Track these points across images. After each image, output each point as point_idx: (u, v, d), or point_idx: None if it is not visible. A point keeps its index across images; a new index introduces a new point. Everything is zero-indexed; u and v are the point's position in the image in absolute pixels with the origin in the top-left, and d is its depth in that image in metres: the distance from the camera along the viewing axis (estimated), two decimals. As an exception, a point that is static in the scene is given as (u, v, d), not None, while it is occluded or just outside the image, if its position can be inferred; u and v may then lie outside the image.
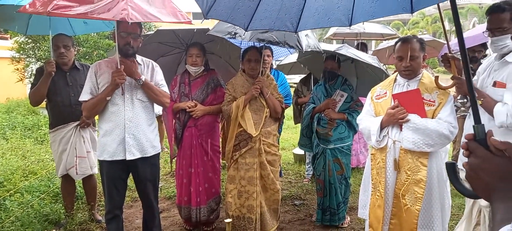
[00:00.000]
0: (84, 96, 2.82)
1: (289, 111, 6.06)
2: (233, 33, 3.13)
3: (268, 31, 3.08)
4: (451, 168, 1.08)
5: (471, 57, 4.56)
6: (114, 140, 2.80)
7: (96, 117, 3.29)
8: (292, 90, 5.18)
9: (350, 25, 2.22)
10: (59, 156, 3.61)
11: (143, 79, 2.82)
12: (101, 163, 2.90)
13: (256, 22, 2.41)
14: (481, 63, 2.79)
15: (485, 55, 4.45)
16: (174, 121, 3.63)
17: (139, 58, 2.96)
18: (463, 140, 0.98)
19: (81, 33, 5.00)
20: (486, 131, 0.94)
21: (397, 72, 2.69)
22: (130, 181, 3.60)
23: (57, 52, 3.50)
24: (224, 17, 2.39)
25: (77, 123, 3.60)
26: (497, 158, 0.89)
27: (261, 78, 3.38)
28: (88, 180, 3.84)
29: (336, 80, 3.76)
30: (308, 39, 3.34)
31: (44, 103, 3.73)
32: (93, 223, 3.83)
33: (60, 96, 3.54)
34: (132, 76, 2.80)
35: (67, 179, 3.74)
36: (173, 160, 3.96)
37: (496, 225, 0.80)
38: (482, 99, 2.31)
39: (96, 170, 3.77)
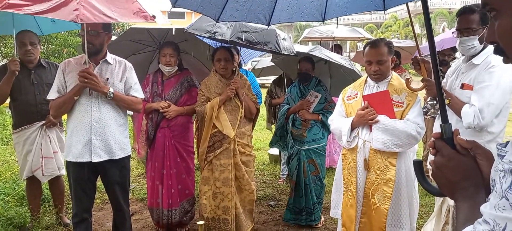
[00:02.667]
0: (52, 95, 2.72)
1: (263, 111, 6.07)
2: (212, 32, 3.07)
3: (248, 31, 3.06)
4: (418, 166, 1.09)
5: (441, 60, 4.70)
6: (80, 141, 2.71)
7: (64, 116, 3.18)
8: (265, 91, 5.20)
9: (323, 20, 2.23)
10: (24, 157, 3.47)
11: (112, 94, 2.72)
12: (68, 164, 2.81)
13: (227, 13, 2.36)
14: (450, 66, 2.88)
15: (454, 59, 4.60)
16: (146, 121, 3.55)
17: (110, 57, 2.87)
18: (432, 138, 0.99)
19: (48, 33, 4.83)
20: (453, 130, 0.96)
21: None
22: (101, 183, 3.51)
23: (23, 49, 3.37)
24: (194, 7, 2.32)
25: (43, 122, 3.46)
26: (462, 157, 0.90)
27: (236, 79, 3.36)
28: (55, 182, 3.71)
29: (310, 81, 3.79)
30: (284, 42, 3.34)
31: (7, 103, 3.57)
32: (60, 226, 3.70)
33: (24, 95, 3.40)
34: (99, 91, 2.69)
35: (32, 181, 3.60)
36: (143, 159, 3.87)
37: (460, 225, 0.81)
38: (449, 98, 2.36)
39: (63, 171, 3.64)
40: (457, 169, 0.90)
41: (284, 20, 2.41)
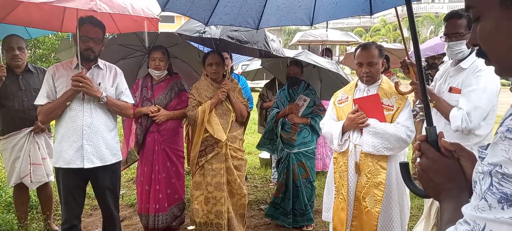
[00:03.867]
0: (40, 100, 2.67)
1: (254, 115, 6.07)
2: (202, 31, 3.08)
3: (237, 30, 3.06)
4: (404, 168, 1.11)
5: (431, 63, 4.77)
6: (71, 147, 2.67)
7: (52, 122, 3.14)
8: (257, 95, 5.21)
9: (311, 24, 2.24)
10: (12, 164, 3.41)
11: (105, 98, 2.71)
12: (57, 170, 2.76)
13: (216, 17, 2.37)
14: (439, 70, 2.92)
15: (443, 62, 4.67)
16: (135, 126, 3.52)
17: (101, 62, 2.84)
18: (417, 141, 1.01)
19: (37, 36, 4.77)
20: (437, 133, 0.97)
21: (358, 78, 2.76)
22: (90, 188, 3.46)
23: (11, 54, 3.32)
24: (183, 10, 2.32)
25: (31, 128, 3.41)
26: (446, 159, 0.92)
27: (227, 82, 3.36)
28: (43, 189, 3.65)
29: (299, 85, 3.81)
30: (273, 43, 3.36)
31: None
32: (49, 233, 3.64)
33: (12, 101, 3.34)
34: (92, 96, 2.68)
35: (20, 188, 3.53)
36: (134, 165, 3.84)
37: (443, 225, 0.83)
38: (433, 102, 2.40)
39: (52, 178, 3.59)
40: (441, 171, 0.91)
41: (272, 24, 2.43)
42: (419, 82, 1.07)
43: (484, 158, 0.69)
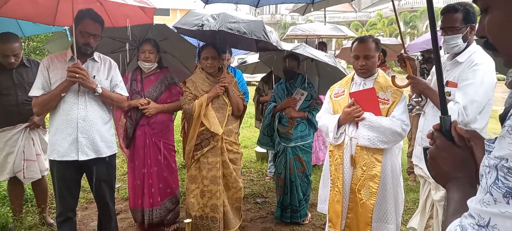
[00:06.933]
0: (35, 91, 2.64)
1: (251, 110, 6.06)
2: (200, 24, 3.05)
3: (236, 22, 3.04)
4: (426, 153, 1.11)
5: (427, 57, 4.78)
6: (65, 139, 2.65)
7: (46, 117, 3.11)
8: (253, 88, 5.20)
9: (312, 3, 2.20)
10: (4, 158, 3.36)
11: (100, 90, 2.69)
12: (52, 162, 2.75)
13: None
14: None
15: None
16: (124, 119, 3.49)
17: (96, 55, 2.83)
18: (431, 129, 1.00)
19: (30, 34, 4.72)
20: (451, 122, 0.97)
21: (354, 71, 2.76)
22: (85, 182, 3.45)
23: (6, 61, 3.26)
24: None
25: (26, 124, 3.37)
26: (456, 149, 0.92)
27: (226, 76, 3.35)
28: (38, 182, 3.62)
29: (296, 79, 3.80)
30: (272, 35, 3.34)
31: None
32: (44, 226, 3.63)
33: (6, 96, 3.31)
34: (87, 87, 2.66)
35: (14, 181, 3.51)
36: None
37: (449, 215, 0.82)
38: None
39: (47, 173, 3.56)
40: (450, 159, 0.91)
41: (273, 2, 2.41)
42: (436, 71, 1.06)
43: (491, 151, 0.69)
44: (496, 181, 0.65)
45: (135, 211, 3.53)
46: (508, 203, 0.62)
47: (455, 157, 0.91)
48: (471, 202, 0.71)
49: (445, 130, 0.96)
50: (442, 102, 1.00)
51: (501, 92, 5.57)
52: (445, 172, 0.92)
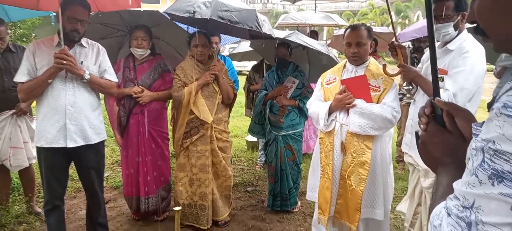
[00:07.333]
0: (21, 77, 2.58)
1: (241, 99, 6.04)
2: (192, 11, 2.99)
3: (228, 10, 2.99)
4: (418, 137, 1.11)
5: (417, 47, 4.79)
6: (54, 126, 2.60)
7: (33, 104, 3.05)
8: (244, 78, 5.16)
9: None
10: (-10, 146, 3.31)
11: (88, 77, 2.64)
12: (39, 150, 2.70)
13: None
14: (425, 53, 2.92)
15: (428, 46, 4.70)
16: (117, 108, 3.44)
17: (84, 40, 2.77)
18: (421, 111, 0.99)
19: (17, 19, 4.62)
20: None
21: (346, 59, 2.75)
22: (74, 171, 3.40)
23: None
24: None
25: (13, 111, 3.31)
26: (448, 134, 0.91)
27: (217, 63, 3.31)
28: (25, 171, 3.58)
29: (287, 67, 3.78)
30: (264, 24, 3.30)
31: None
32: (31, 215, 3.59)
33: None
34: (74, 74, 2.61)
35: (1, 170, 3.46)
36: (118, 148, 3.77)
37: (437, 199, 0.83)
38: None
39: (34, 161, 3.51)
40: (440, 145, 0.91)
41: None
42: (430, 55, 1.04)
43: (478, 135, 0.69)
44: (482, 163, 0.65)
45: (129, 199, 3.51)
46: (493, 184, 0.62)
47: (446, 143, 0.90)
48: (456, 185, 0.71)
49: (437, 115, 0.95)
50: (435, 87, 0.99)
51: (491, 82, 5.62)
52: (435, 157, 0.92)
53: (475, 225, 0.65)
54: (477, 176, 0.65)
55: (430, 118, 0.96)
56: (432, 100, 0.97)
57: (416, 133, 1.02)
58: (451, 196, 0.72)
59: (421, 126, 0.97)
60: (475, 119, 0.91)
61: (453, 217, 0.70)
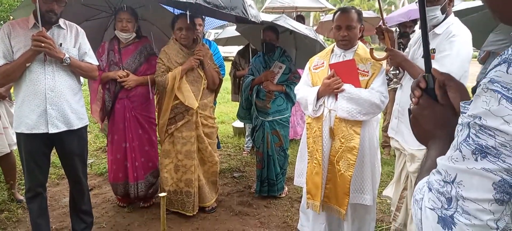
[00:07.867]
0: None
1: (227, 84, 5.98)
2: None
3: None
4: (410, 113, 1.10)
5: (402, 32, 4.80)
6: (34, 111, 2.51)
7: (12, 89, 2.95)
8: (229, 63, 5.10)
9: None
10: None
11: (68, 60, 2.54)
12: (19, 135, 2.61)
13: None
14: (411, 38, 2.91)
15: (414, 31, 4.72)
16: (102, 91, 3.35)
17: (61, 21, 2.65)
18: (412, 85, 0.98)
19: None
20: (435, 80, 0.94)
21: (334, 43, 2.72)
22: (56, 158, 3.32)
23: None
24: None
25: None
26: (439, 107, 0.90)
27: (202, 48, 3.25)
28: (5, 157, 3.47)
29: (274, 52, 3.73)
30: (251, 9, 3.23)
31: None
32: (13, 203, 3.50)
33: None
34: (54, 57, 2.50)
35: (-20, 157, 3.35)
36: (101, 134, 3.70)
37: (423, 172, 0.82)
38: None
39: (15, 147, 3.41)
40: (430, 117, 0.90)
41: None
42: (422, 32, 1.02)
43: (466, 112, 0.68)
44: (467, 138, 0.65)
45: (116, 185, 3.45)
46: (476, 160, 0.63)
47: (437, 115, 0.89)
48: (440, 160, 0.71)
49: (429, 88, 0.93)
50: (426, 61, 0.98)
51: (474, 69, 5.72)
52: (426, 130, 0.91)
53: (456, 200, 0.65)
54: (461, 151, 0.65)
55: (420, 91, 0.94)
56: (424, 75, 0.95)
57: (409, 109, 1.00)
58: (433, 170, 0.72)
59: (413, 99, 0.96)
60: (468, 92, 0.90)
61: (434, 191, 0.69)
